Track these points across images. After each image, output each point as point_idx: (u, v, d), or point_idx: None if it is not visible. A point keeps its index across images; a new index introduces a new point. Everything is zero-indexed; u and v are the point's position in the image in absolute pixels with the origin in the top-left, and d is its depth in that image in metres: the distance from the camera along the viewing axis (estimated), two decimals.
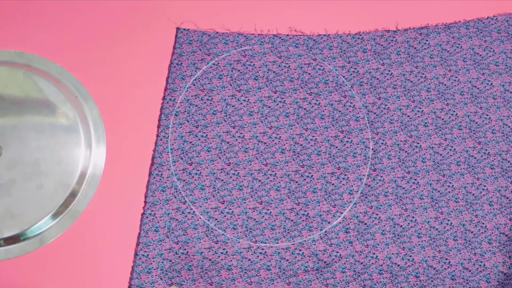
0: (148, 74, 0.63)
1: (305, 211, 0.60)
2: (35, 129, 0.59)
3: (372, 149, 0.61)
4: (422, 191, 0.60)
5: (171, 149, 0.61)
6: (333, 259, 0.59)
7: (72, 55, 0.63)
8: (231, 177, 0.60)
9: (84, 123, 0.61)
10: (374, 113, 0.62)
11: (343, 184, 0.60)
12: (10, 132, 0.59)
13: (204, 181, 0.60)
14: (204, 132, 0.61)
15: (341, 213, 0.60)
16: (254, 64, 0.63)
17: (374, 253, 0.59)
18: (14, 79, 0.61)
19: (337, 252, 0.59)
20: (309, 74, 0.63)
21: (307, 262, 0.59)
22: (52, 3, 0.65)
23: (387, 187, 0.60)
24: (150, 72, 0.63)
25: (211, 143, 0.61)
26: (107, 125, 0.62)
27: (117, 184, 0.60)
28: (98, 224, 0.59)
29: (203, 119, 0.62)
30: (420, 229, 0.59)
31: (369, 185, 0.60)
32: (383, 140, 0.61)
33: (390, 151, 0.61)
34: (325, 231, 0.59)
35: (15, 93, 0.60)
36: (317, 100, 0.63)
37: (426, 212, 0.60)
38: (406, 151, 0.61)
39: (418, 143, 0.62)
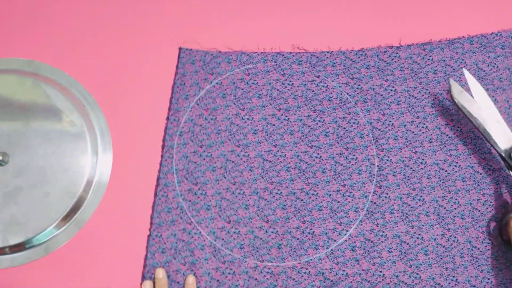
0: (151, 94, 0.63)
1: (311, 229, 0.60)
2: (42, 137, 0.59)
3: (377, 166, 0.61)
4: (428, 207, 0.60)
5: (176, 169, 0.61)
6: (340, 277, 0.59)
7: (80, 64, 0.64)
8: (236, 196, 0.60)
9: (91, 131, 0.61)
10: (379, 130, 0.62)
11: (349, 202, 0.60)
12: (17, 140, 0.59)
13: (210, 201, 0.60)
14: (208, 152, 0.61)
15: (347, 231, 0.60)
16: (257, 83, 0.63)
17: (381, 271, 0.59)
18: (23, 87, 0.61)
19: (344, 270, 0.59)
20: (313, 91, 0.63)
21: (314, 281, 0.59)
22: (62, 14, 0.65)
23: (393, 204, 0.60)
24: (154, 93, 0.63)
25: (216, 162, 0.61)
26: (114, 134, 0.62)
27: (123, 193, 0.60)
28: (104, 233, 0.59)
29: (207, 139, 0.62)
30: (427, 246, 0.59)
31: (375, 203, 0.60)
32: (388, 157, 0.61)
33: (395, 167, 0.61)
34: (331, 249, 0.59)
35: (23, 101, 0.60)
36: (321, 117, 0.63)
37: (433, 229, 0.60)
38: (411, 168, 0.61)
39: (423, 159, 0.61)
